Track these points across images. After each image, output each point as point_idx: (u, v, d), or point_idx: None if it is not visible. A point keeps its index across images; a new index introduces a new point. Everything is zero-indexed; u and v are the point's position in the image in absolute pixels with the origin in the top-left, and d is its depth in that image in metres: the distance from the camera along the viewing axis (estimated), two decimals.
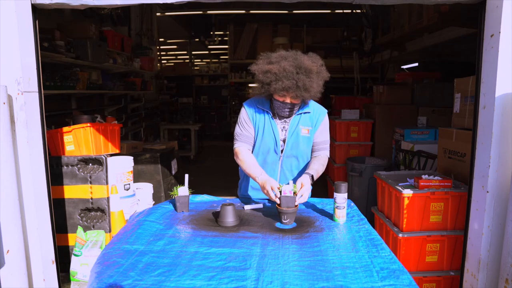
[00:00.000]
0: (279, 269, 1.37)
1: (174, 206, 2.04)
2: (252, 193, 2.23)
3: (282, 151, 2.10)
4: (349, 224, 1.81)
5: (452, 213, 2.49)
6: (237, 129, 2.12)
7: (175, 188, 2.01)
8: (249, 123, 2.10)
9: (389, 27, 5.47)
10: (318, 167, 2.04)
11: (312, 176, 1.97)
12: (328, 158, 2.18)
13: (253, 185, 2.20)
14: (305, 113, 2.08)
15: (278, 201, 1.79)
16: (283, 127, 2.09)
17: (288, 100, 1.95)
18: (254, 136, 2.11)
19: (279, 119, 2.09)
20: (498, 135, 1.92)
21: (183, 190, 2.00)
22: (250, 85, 10.38)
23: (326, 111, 2.15)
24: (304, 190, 1.85)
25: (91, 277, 1.37)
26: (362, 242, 1.60)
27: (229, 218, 1.79)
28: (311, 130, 2.09)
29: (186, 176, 2.07)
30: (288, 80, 1.84)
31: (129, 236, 1.65)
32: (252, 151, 2.13)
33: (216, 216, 1.87)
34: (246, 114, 2.11)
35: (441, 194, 2.45)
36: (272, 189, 1.82)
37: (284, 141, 2.09)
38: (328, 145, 2.17)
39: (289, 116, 2.06)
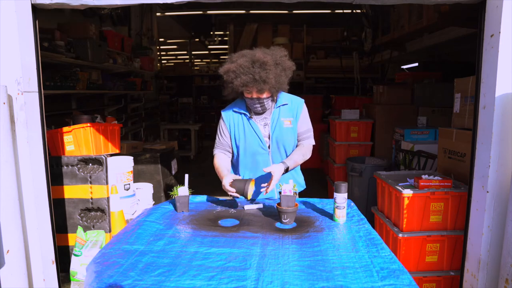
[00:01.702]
0: (279, 269, 1.37)
1: (174, 206, 2.04)
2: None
3: (269, 147, 2.14)
4: (349, 224, 1.81)
5: (452, 213, 2.49)
6: (217, 138, 2.25)
7: (175, 188, 2.01)
8: (226, 132, 2.20)
9: (389, 27, 5.47)
10: (297, 157, 2.11)
11: (286, 164, 2.03)
12: (311, 146, 2.22)
13: None
14: (283, 105, 2.14)
15: (232, 192, 1.91)
16: (265, 123, 2.15)
17: (255, 96, 2.01)
18: (230, 144, 2.20)
19: (257, 116, 2.15)
20: (498, 135, 1.92)
21: (183, 190, 2.00)
22: None
23: (303, 100, 2.21)
24: (274, 179, 1.93)
25: (89, 276, 1.37)
26: (362, 242, 1.60)
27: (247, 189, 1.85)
28: (293, 121, 2.15)
29: (186, 176, 2.08)
30: (245, 75, 1.92)
31: (129, 236, 1.65)
32: (239, 155, 2.20)
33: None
34: (223, 123, 2.21)
35: (441, 194, 2.45)
36: (224, 186, 1.94)
37: (269, 137, 2.14)
38: (311, 133, 2.22)
39: (263, 112, 2.12)
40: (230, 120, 2.18)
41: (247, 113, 2.14)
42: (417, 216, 2.48)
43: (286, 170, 2.03)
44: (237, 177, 2.00)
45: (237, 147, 2.18)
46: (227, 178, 1.95)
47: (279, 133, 2.12)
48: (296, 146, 2.21)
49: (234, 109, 2.18)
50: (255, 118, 2.14)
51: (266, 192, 1.95)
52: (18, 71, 1.85)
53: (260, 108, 2.07)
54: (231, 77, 1.95)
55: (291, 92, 2.25)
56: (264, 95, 2.02)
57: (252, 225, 1.79)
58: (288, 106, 2.15)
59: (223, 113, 2.22)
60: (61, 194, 2.64)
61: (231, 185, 1.92)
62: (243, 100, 2.15)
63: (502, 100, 1.90)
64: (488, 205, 1.98)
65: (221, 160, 2.17)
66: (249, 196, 1.91)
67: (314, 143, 2.22)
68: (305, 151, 2.16)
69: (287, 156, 2.16)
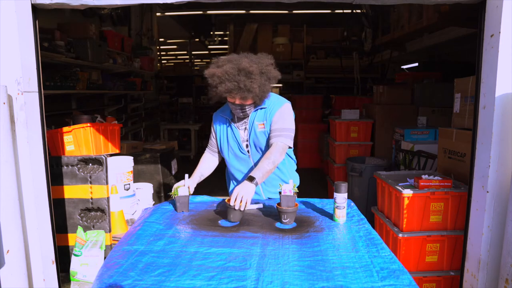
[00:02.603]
0: (279, 269, 1.37)
1: (174, 206, 2.04)
2: None
3: (248, 151, 2.16)
4: (349, 224, 1.81)
5: (452, 213, 2.49)
6: (209, 138, 2.31)
7: (175, 188, 2.01)
8: (213, 133, 2.27)
9: (389, 27, 5.47)
10: (262, 165, 1.96)
11: (252, 177, 1.90)
12: (287, 146, 2.06)
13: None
14: (261, 108, 2.12)
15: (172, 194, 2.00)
16: (245, 127, 2.16)
17: (237, 102, 2.01)
18: (217, 145, 2.25)
19: (239, 121, 2.16)
20: (498, 135, 1.92)
21: (183, 190, 2.00)
22: None
23: (283, 102, 2.12)
24: (236, 194, 1.81)
25: (94, 281, 1.37)
26: (362, 242, 1.60)
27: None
28: (266, 124, 2.11)
29: (186, 176, 2.08)
30: (230, 82, 1.91)
31: (129, 237, 1.65)
32: (225, 158, 2.24)
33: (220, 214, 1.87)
34: (212, 124, 2.28)
35: (441, 194, 2.45)
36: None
37: (248, 141, 2.16)
38: (286, 132, 2.05)
39: (244, 117, 2.13)
40: (217, 123, 2.24)
41: (230, 117, 2.17)
42: (417, 216, 2.48)
43: (254, 180, 1.90)
44: (188, 192, 2.03)
45: (222, 150, 2.23)
46: (181, 188, 2.02)
47: (254, 136, 2.12)
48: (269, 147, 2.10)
49: (221, 113, 2.23)
50: (237, 123, 2.16)
51: (241, 208, 1.81)
52: (18, 71, 1.85)
53: (241, 114, 2.08)
54: (216, 81, 1.95)
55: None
56: (247, 102, 2.02)
57: (252, 225, 1.79)
58: (265, 109, 2.11)
59: (213, 116, 2.29)
60: (61, 194, 2.63)
61: (174, 191, 2.01)
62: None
63: (502, 100, 1.90)
64: (488, 205, 1.98)
65: (202, 163, 2.27)
66: (177, 211, 2.00)
67: (289, 144, 2.05)
68: (271, 154, 1.99)
69: None
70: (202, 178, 2.23)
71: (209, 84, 2.00)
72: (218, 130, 2.23)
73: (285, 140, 2.03)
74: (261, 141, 2.13)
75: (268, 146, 2.10)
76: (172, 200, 2.09)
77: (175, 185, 2.05)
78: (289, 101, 2.18)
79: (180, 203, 1.99)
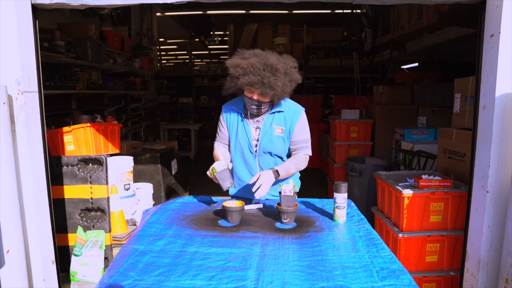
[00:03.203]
0: (279, 269, 1.37)
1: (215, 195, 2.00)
2: (241, 192, 2.25)
3: (256, 150, 2.14)
4: (349, 224, 1.81)
5: (452, 213, 2.49)
6: (217, 130, 2.27)
7: (211, 168, 1.94)
8: (224, 125, 2.22)
9: (389, 27, 5.47)
10: (289, 166, 2.08)
11: (277, 171, 2.01)
12: (309, 155, 2.18)
13: (241, 183, 2.23)
14: (278, 112, 2.11)
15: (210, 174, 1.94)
16: (257, 126, 2.14)
17: (255, 97, 1.99)
18: (228, 137, 2.21)
19: (251, 118, 2.14)
20: (498, 135, 1.92)
21: (220, 165, 1.92)
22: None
23: (301, 110, 2.16)
24: (260, 181, 1.92)
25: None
26: (362, 242, 1.60)
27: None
28: (285, 130, 2.11)
29: (219, 161, 2.02)
30: (254, 76, 1.90)
31: (130, 238, 1.66)
32: (230, 152, 2.22)
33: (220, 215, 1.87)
34: (222, 116, 2.23)
35: (441, 194, 2.45)
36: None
37: (258, 140, 2.13)
38: (308, 143, 2.16)
39: (257, 114, 2.11)
40: (228, 115, 2.19)
41: (243, 113, 2.14)
42: (417, 216, 2.48)
43: (277, 175, 2.00)
44: (225, 165, 1.96)
45: (230, 143, 2.20)
46: (216, 163, 1.99)
47: (268, 139, 2.10)
48: (289, 155, 2.19)
49: (233, 105, 2.18)
50: (248, 119, 2.14)
51: (258, 196, 1.92)
52: (18, 71, 1.85)
53: (255, 110, 2.06)
54: (239, 72, 1.93)
55: (293, 92, 2.22)
56: (265, 100, 2.00)
57: (252, 225, 1.79)
58: (283, 113, 2.11)
59: (223, 107, 2.24)
60: (61, 194, 2.63)
61: (212, 170, 1.93)
62: (243, 97, 2.14)
63: (502, 100, 1.90)
64: (488, 205, 1.98)
65: (219, 150, 2.19)
66: (224, 188, 1.92)
67: (310, 154, 2.17)
68: (299, 161, 2.12)
69: (274, 159, 2.15)
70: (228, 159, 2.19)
71: (229, 74, 1.99)
72: (229, 122, 2.18)
73: (308, 151, 2.16)
74: (275, 145, 2.10)
75: (279, 151, 2.12)
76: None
77: (211, 167, 1.96)
78: (303, 108, 2.19)
79: (222, 179, 1.91)
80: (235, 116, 2.16)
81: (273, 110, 2.10)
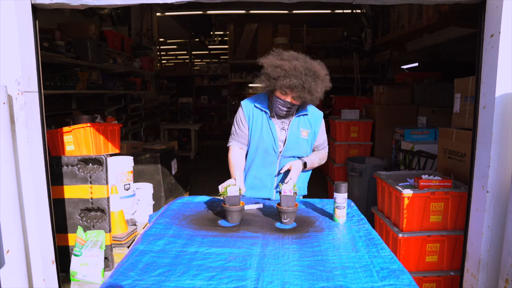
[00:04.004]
0: (279, 269, 1.37)
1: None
2: (247, 193, 2.24)
3: (280, 151, 2.13)
4: (349, 224, 1.81)
5: (452, 213, 2.49)
6: (233, 128, 2.19)
7: (224, 187, 1.84)
8: (244, 123, 2.14)
9: (389, 27, 5.47)
10: (314, 158, 2.18)
11: (306, 163, 2.10)
12: (327, 153, 2.33)
13: (248, 184, 2.22)
14: (304, 115, 2.14)
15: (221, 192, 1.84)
16: (282, 127, 2.13)
17: (288, 99, 1.98)
18: (248, 136, 2.15)
19: (277, 118, 2.12)
20: (498, 135, 1.92)
21: (233, 190, 1.81)
22: (250, 85, 10.37)
23: (322, 114, 2.24)
24: (292, 173, 2.00)
25: None
26: (362, 242, 1.60)
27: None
28: (310, 133, 2.15)
29: (237, 174, 1.99)
30: (296, 79, 1.88)
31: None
32: (249, 150, 2.17)
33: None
34: (242, 113, 2.15)
35: (441, 194, 2.45)
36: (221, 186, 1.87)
37: (283, 141, 2.12)
38: (327, 143, 2.31)
39: (285, 116, 2.10)
40: (250, 113, 2.14)
41: (268, 111, 2.12)
42: (417, 216, 2.48)
43: (304, 166, 2.10)
44: (238, 190, 1.84)
45: (249, 142, 2.16)
46: (236, 178, 2.00)
47: (294, 141, 2.11)
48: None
49: (256, 104, 2.14)
50: (274, 119, 2.12)
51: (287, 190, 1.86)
52: (18, 71, 1.85)
53: (285, 112, 2.04)
54: (280, 74, 1.90)
55: None
56: (297, 102, 2.01)
57: (252, 225, 1.79)
58: (307, 117, 2.15)
59: (243, 104, 2.17)
60: (61, 194, 2.63)
61: (223, 192, 1.82)
62: (266, 96, 2.14)
63: (502, 100, 1.90)
64: (488, 205, 1.98)
65: (236, 157, 2.13)
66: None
67: (327, 151, 2.32)
68: (322, 156, 2.26)
69: None
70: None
71: (266, 73, 1.96)
72: (251, 120, 2.13)
73: (327, 149, 2.32)
74: (299, 148, 2.12)
75: (302, 154, 2.16)
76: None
77: (224, 185, 1.87)
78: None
79: (231, 203, 1.81)
80: (259, 115, 2.12)
81: (299, 114, 2.12)
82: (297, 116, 2.12)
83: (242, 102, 2.18)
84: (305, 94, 1.91)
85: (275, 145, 2.10)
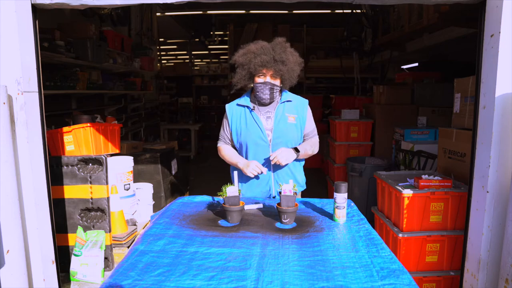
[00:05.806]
0: (279, 269, 1.37)
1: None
2: (246, 191, 2.26)
3: (270, 140, 2.18)
4: (349, 224, 1.81)
5: (452, 213, 2.49)
6: (221, 131, 2.33)
7: (223, 188, 1.85)
8: (227, 125, 2.27)
9: (389, 27, 5.47)
10: (306, 146, 2.23)
11: (297, 148, 2.13)
12: (318, 141, 2.37)
13: (246, 179, 2.24)
14: (287, 101, 2.20)
15: (264, 171, 2.05)
16: (267, 116, 2.19)
17: (268, 78, 2.06)
18: (230, 137, 2.27)
19: (261, 109, 2.19)
20: (498, 135, 1.92)
21: (232, 190, 1.83)
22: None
23: (307, 100, 2.29)
24: (276, 152, 2.04)
25: None
26: (362, 242, 1.60)
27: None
28: (297, 118, 2.20)
29: (235, 173, 2.00)
30: (266, 55, 2.00)
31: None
32: (241, 147, 2.24)
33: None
34: (226, 116, 2.27)
35: (441, 194, 2.45)
36: (257, 166, 2.02)
37: (270, 130, 2.18)
38: (316, 131, 2.36)
39: (269, 102, 2.16)
40: (233, 113, 2.23)
41: (250, 106, 2.18)
42: (417, 216, 2.48)
43: (297, 151, 2.13)
44: (237, 191, 1.87)
45: (238, 139, 2.22)
46: (253, 161, 2.10)
47: (282, 127, 2.16)
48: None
49: (238, 103, 2.24)
50: (257, 111, 2.18)
51: (273, 162, 2.06)
52: (18, 71, 1.85)
53: (268, 96, 2.10)
54: (250, 57, 2.01)
55: (292, 92, 2.28)
56: (277, 82, 2.07)
57: (252, 225, 1.79)
58: (292, 103, 2.21)
59: (226, 107, 2.28)
60: (61, 194, 2.63)
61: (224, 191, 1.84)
62: (248, 94, 2.21)
63: (502, 100, 1.90)
64: (488, 205, 1.98)
65: (230, 149, 2.27)
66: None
67: (318, 140, 2.35)
68: (313, 143, 2.29)
69: None
70: None
71: (239, 64, 2.08)
72: (235, 119, 2.22)
73: (317, 137, 2.36)
74: (288, 133, 2.17)
75: (293, 139, 2.20)
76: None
77: (250, 169, 2.06)
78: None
79: (231, 203, 1.83)
80: (241, 111, 2.21)
81: (282, 100, 2.18)
82: (281, 103, 2.18)
83: (226, 105, 2.29)
84: (279, 66, 2.00)
85: (262, 134, 2.15)
